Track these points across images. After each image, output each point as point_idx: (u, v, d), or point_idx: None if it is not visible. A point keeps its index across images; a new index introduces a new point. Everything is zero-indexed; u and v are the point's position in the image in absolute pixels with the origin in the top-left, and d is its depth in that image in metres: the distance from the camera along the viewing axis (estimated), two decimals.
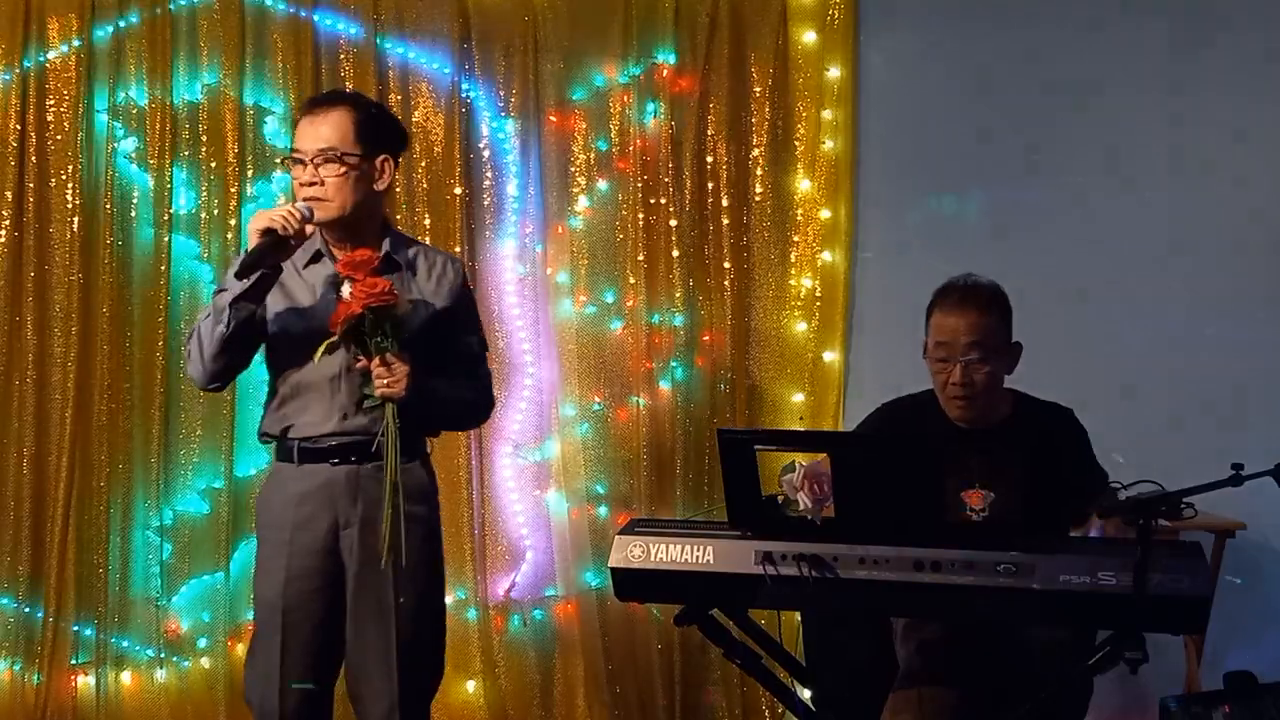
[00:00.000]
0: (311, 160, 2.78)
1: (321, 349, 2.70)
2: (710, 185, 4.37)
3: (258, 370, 2.95)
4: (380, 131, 2.87)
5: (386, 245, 2.86)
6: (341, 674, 2.85)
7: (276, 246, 2.69)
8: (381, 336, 2.69)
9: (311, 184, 2.77)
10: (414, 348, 2.75)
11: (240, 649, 4.08)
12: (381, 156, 2.85)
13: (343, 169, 2.77)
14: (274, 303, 2.80)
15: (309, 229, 2.76)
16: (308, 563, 2.78)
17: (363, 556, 2.78)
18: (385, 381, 2.70)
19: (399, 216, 4.22)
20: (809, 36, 4.40)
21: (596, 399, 4.35)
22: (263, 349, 2.87)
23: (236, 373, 2.86)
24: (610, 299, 4.37)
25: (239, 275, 2.68)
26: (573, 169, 4.36)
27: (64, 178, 4.08)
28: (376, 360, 2.70)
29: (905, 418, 3.12)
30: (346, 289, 2.70)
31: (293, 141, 2.86)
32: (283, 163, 2.88)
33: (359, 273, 2.68)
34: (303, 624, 2.77)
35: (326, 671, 2.82)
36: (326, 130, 2.79)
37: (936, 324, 3.00)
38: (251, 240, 2.68)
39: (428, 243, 4.19)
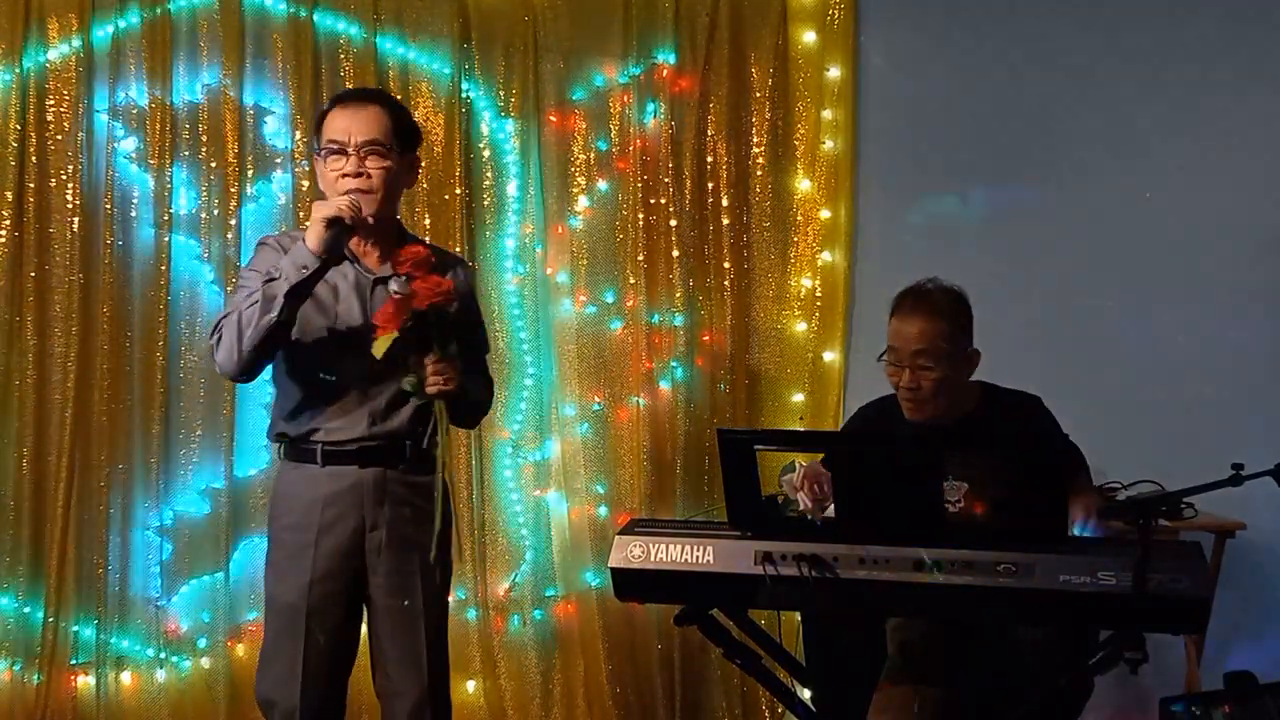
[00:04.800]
0: (357, 151, 2.75)
1: (384, 346, 2.64)
2: (710, 185, 4.37)
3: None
4: (409, 132, 2.87)
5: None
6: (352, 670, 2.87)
7: (340, 237, 2.67)
8: (440, 334, 2.69)
9: (358, 175, 2.74)
10: None
11: (240, 649, 4.09)
12: (410, 156, 2.86)
13: (386, 162, 2.77)
14: None
15: (370, 220, 2.74)
16: (332, 565, 2.78)
17: (391, 558, 2.79)
18: (443, 379, 2.70)
19: (398, 217, 4.21)
20: (809, 36, 4.41)
21: (596, 399, 4.35)
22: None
23: (265, 366, 2.79)
24: (610, 299, 4.37)
25: (322, 261, 2.63)
26: (573, 169, 4.36)
27: (64, 178, 4.06)
28: (433, 357, 2.69)
29: (872, 418, 3.18)
30: (397, 285, 2.68)
31: (325, 133, 2.81)
32: (320, 154, 2.79)
33: (419, 270, 2.68)
34: (326, 625, 2.78)
35: (344, 669, 2.85)
36: (368, 123, 2.76)
37: (892, 329, 3.06)
38: (315, 230, 2.64)
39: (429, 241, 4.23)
